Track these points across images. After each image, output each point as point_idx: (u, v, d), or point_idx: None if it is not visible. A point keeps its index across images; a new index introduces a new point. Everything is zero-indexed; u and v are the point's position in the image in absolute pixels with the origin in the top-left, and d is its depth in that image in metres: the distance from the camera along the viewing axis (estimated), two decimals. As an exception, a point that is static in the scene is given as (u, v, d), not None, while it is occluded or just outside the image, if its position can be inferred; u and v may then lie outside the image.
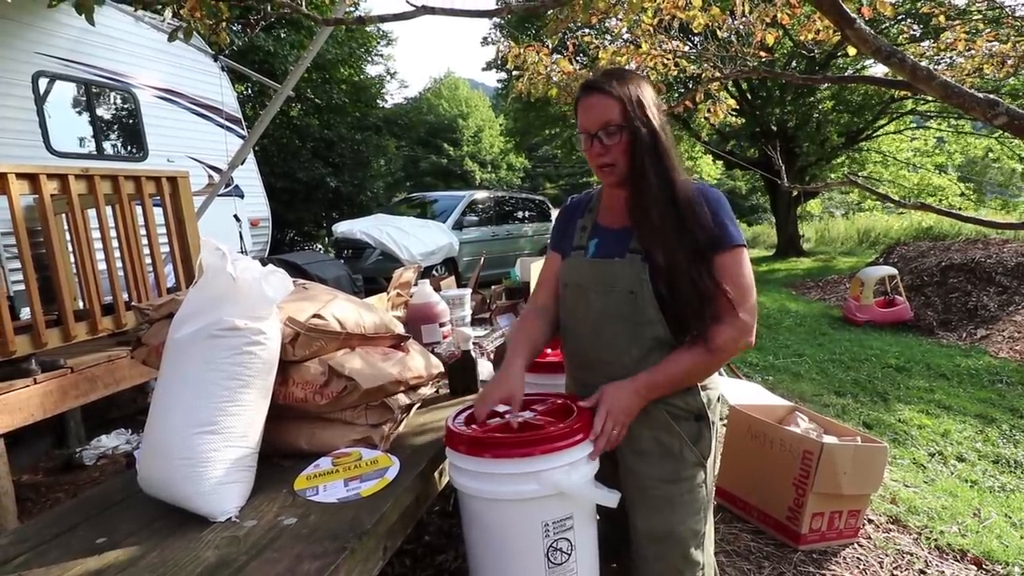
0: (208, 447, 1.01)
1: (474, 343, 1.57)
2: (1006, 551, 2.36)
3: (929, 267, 8.30)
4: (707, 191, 1.19)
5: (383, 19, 1.43)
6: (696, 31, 2.57)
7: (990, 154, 14.05)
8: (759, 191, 22.81)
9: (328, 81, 12.49)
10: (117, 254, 2.94)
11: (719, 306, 1.12)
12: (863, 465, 2.23)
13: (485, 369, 1.68)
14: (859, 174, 16.12)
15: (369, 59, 14.58)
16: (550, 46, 2.98)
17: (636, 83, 1.19)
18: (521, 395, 1.16)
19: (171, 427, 1.03)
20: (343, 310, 1.29)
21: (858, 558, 2.27)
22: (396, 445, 1.30)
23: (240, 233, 4.88)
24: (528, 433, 1.05)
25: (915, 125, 15.20)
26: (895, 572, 2.19)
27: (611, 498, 1.06)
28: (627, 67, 2.82)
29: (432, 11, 1.41)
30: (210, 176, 5.41)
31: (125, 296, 3.03)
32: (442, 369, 1.43)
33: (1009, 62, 2.78)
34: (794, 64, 12.06)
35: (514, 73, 3.16)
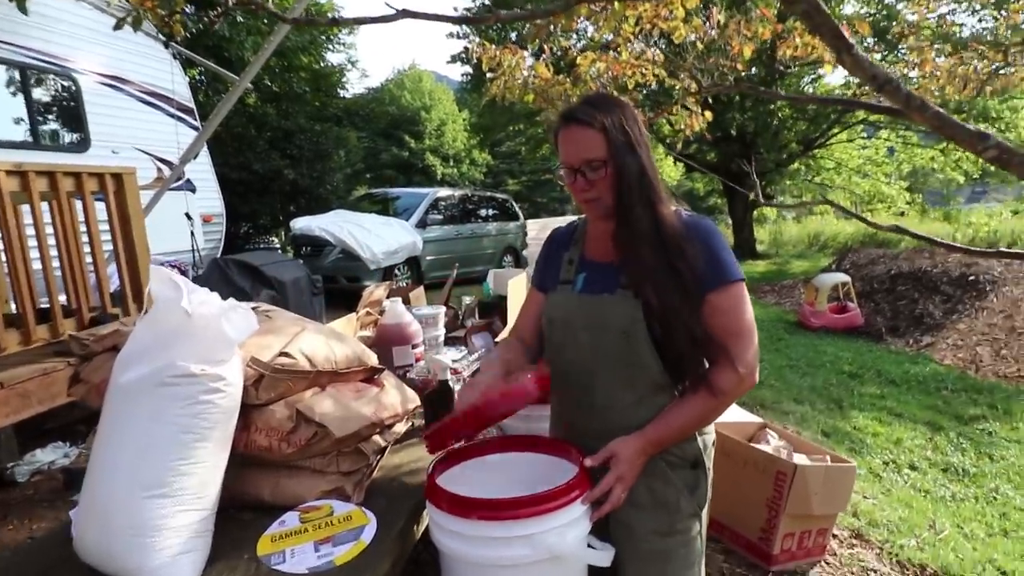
0: (157, 513, 0.88)
1: (451, 371, 1.47)
2: (962, 564, 2.42)
3: (879, 275, 8.62)
4: (698, 223, 1.12)
5: (360, 21, 1.31)
6: (677, 42, 2.54)
7: (934, 165, 14.73)
8: (716, 193, 23.35)
9: (287, 69, 12.04)
10: (54, 253, 2.70)
11: (720, 347, 1.06)
12: (833, 485, 2.24)
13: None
14: (813, 180, 16.73)
15: (330, 47, 14.12)
16: (530, 49, 2.90)
17: (620, 111, 1.11)
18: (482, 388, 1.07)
19: (114, 489, 0.90)
20: (312, 344, 1.17)
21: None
22: (370, 492, 1.19)
23: (191, 232, 4.62)
24: (518, 495, 0.95)
25: (866, 135, 15.83)
26: (862, 592, 2.21)
27: (605, 557, 0.99)
28: (605, 75, 2.78)
29: (414, 15, 1.30)
30: (159, 169, 5.10)
31: (63, 300, 2.80)
32: (418, 403, 1.33)
33: (971, 84, 2.85)
34: (753, 70, 12.33)
35: (488, 75, 3.08)
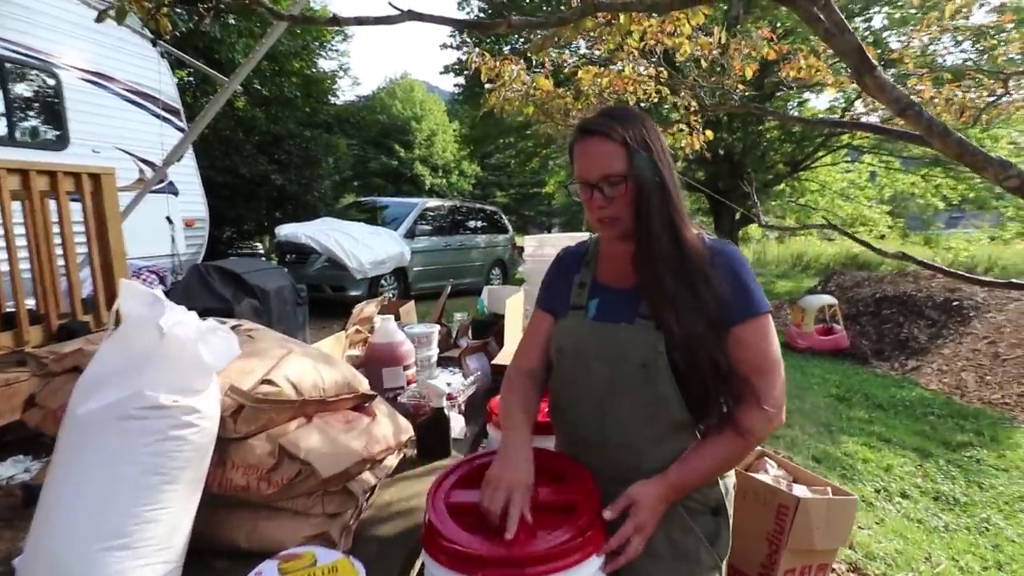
0: (115, 569, 0.77)
1: (447, 396, 1.37)
2: (961, 602, 2.36)
3: (864, 297, 8.69)
4: (724, 250, 1.04)
5: (361, 22, 1.23)
6: (681, 59, 2.50)
7: (915, 190, 14.99)
8: (702, 211, 23.55)
9: (278, 73, 11.91)
10: (24, 255, 2.55)
11: (745, 383, 0.98)
12: (835, 519, 2.17)
13: (457, 425, 1.48)
14: (797, 201, 16.94)
15: (323, 53, 14.03)
16: (534, 61, 2.84)
17: (641, 125, 1.03)
18: (529, 486, 0.96)
19: (65, 538, 0.78)
20: (299, 369, 1.06)
21: (827, 616, 2.21)
22: (358, 536, 1.07)
23: (172, 236, 4.47)
24: (530, 550, 0.85)
25: (850, 159, 16.10)
26: (864, 632, 2.14)
27: (620, 615, 0.90)
28: (607, 90, 2.73)
29: (420, 17, 1.22)
30: (141, 171, 4.94)
31: (31, 304, 2.65)
32: (411, 434, 1.23)
33: (967, 112, 2.85)
34: (739, 90, 12.45)
35: (487, 86, 3.01)
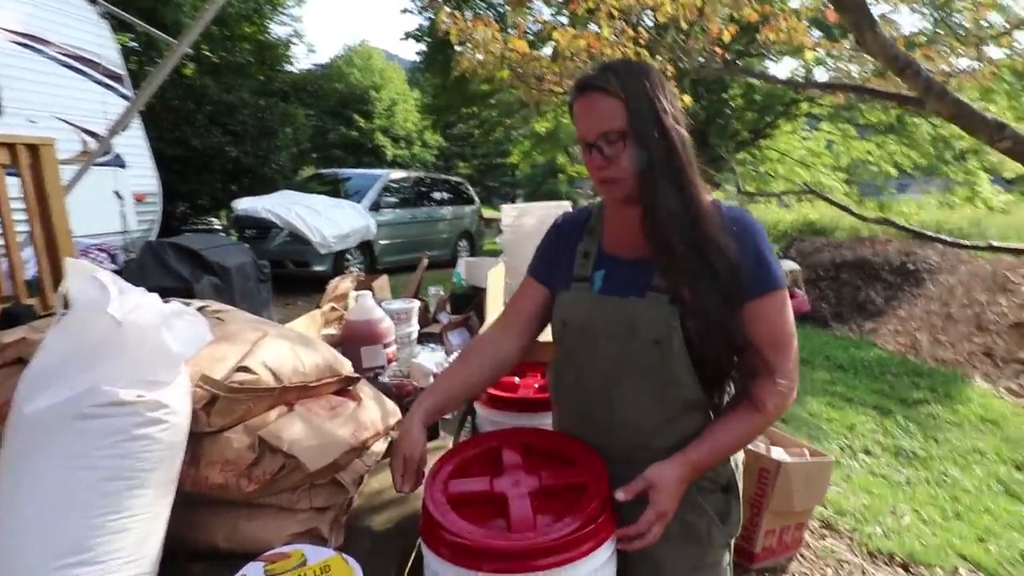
0: (78, 586, 0.68)
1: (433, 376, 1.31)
2: (927, 552, 2.46)
3: (823, 262, 8.94)
4: (742, 218, 0.97)
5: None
6: (661, 20, 2.41)
7: (870, 157, 15.40)
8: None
9: (229, 38, 11.28)
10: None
11: (759, 359, 0.93)
12: (813, 480, 2.23)
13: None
14: (757, 169, 17.24)
15: (276, 17, 13.35)
16: (509, 21, 2.72)
17: (645, 78, 0.94)
18: (417, 455, 0.98)
19: (19, 556, 0.69)
20: (277, 353, 0.97)
21: (805, 572, 2.28)
22: (349, 530, 1.00)
23: (122, 212, 4.20)
24: (542, 539, 0.78)
25: (808, 127, 16.41)
26: (839, 586, 2.21)
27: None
28: (584, 52, 2.62)
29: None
30: (84, 142, 4.60)
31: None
32: (399, 416, 1.16)
33: (954, 80, 2.86)
34: (717, 53, 12.46)
35: (457, 48, 2.86)
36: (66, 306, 0.81)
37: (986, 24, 2.87)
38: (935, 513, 2.85)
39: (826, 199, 2.31)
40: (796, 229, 15.15)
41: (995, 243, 1.70)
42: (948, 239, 1.71)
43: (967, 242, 1.71)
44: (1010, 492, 3.09)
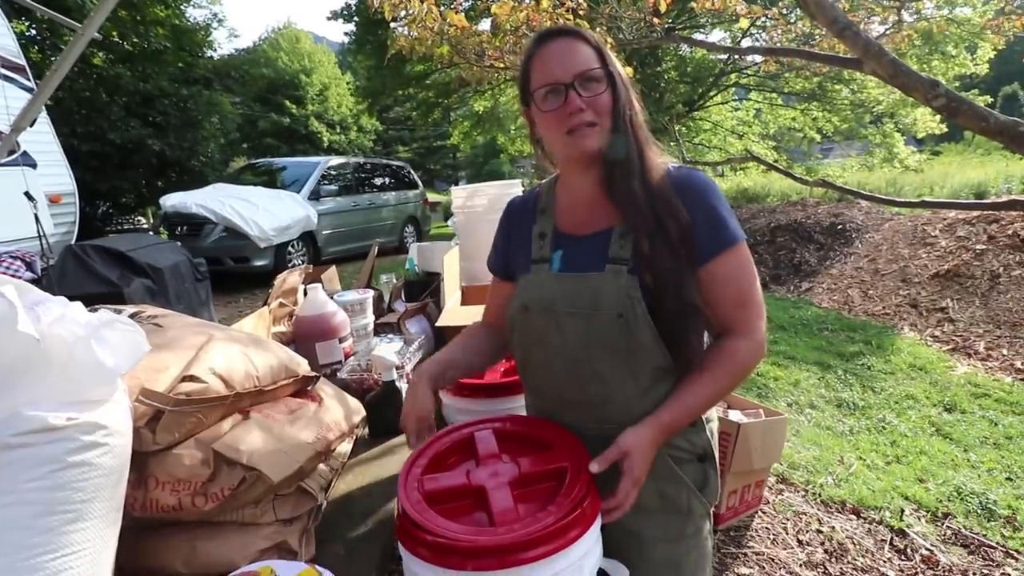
0: (19, 636, 0.60)
1: (396, 368, 1.25)
2: (874, 496, 2.61)
3: (760, 227, 9.29)
4: (691, 175, 0.96)
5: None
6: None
7: (795, 124, 16.07)
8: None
9: (141, 23, 10.50)
10: None
11: (726, 318, 0.94)
12: (770, 439, 2.30)
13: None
14: (692, 141, 17.70)
15: (192, 0, 12.52)
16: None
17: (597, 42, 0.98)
18: (428, 414, 0.99)
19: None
20: (225, 357, 0.89)
21: (766, 528, 2.37)
22: (320, 539, 0.93)
23: (35, 215, 3.84)
24: (527, 532, 0.74)
25: (737, 98, 16.94)
26: (799, 536, 2.31)
27: (619, 579, 0.85)
28: (523, 25, 2.56)
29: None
30: (-17, 140, 4.18)
31: None
32: (363, 414, 1.10)
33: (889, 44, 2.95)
34: (655, 23, 12.58)
35: (392, 25, 2.73)
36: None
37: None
38: (878, 459, 3.03)
39: (771, 166, 2.37)
40: (731, 197, 15.73)
41: (927, 199, 1.77)
42: (883, 197, 1.78)
43: (900, 199, 1.78)
44: (942, 432, 3.32)
